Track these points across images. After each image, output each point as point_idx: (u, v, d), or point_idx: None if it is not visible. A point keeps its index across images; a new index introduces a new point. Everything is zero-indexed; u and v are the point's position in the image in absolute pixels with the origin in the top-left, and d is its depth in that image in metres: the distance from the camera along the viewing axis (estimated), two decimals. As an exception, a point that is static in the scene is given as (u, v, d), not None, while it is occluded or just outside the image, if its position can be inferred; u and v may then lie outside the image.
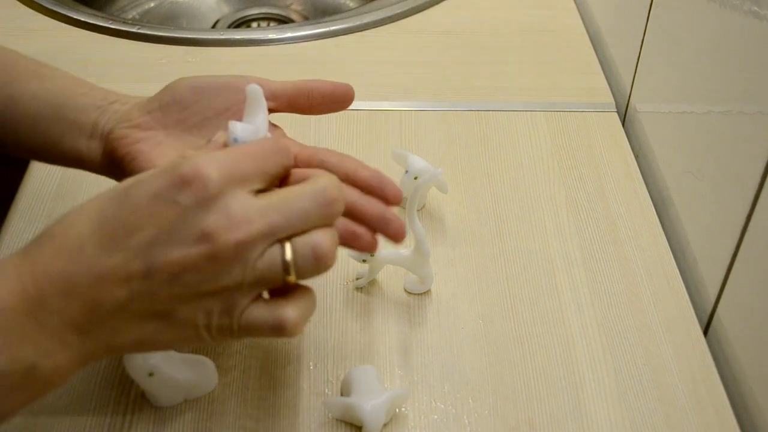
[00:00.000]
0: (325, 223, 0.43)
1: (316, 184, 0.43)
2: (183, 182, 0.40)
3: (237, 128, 0.47)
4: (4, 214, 0.71)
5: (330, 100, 0.56)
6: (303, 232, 0.42)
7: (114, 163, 0.55)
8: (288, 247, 0.42)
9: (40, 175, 0.73)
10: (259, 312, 0.43)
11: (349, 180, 0.50)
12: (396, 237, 0.49)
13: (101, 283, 0.41)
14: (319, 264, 0.43)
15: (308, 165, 0.50)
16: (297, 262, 0.42)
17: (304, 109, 0.56)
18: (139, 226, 0.40)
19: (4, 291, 0.40)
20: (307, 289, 0.45)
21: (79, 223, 0.42)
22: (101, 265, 0.41)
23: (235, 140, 0.47)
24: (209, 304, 0.42)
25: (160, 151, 0.54)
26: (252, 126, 0.48)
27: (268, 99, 0.51)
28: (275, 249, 0.42)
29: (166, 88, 0.56)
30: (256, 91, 0.49)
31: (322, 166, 0.50)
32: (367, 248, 0.49)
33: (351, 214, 0.48)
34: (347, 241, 0.48)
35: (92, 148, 0.55)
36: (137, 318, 0.42)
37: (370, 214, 0.49)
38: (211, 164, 0.41)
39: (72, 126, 0.55)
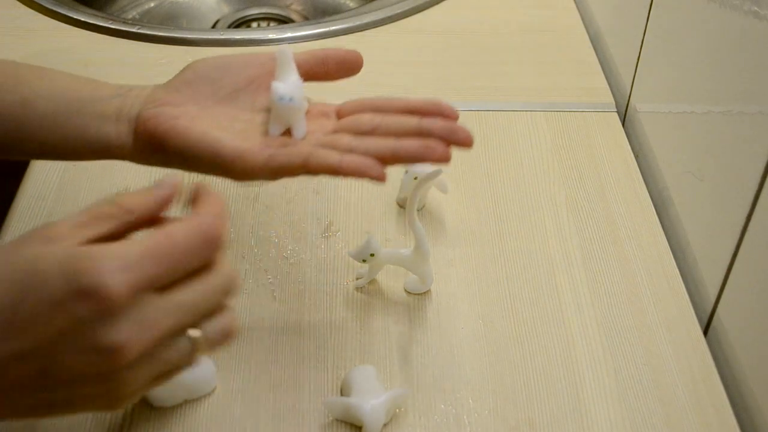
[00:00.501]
0: (223, 306, 0.44)
1: (222, 276, 0.43)
2: (83, 294, 0.38)
3: (280, 88, 0.51)
4: (4, 214, 0.71)
5: (343, 67, 0.59)
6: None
7: (152, 145, 0.54)
8: (193, 335, 0.42)
9: (40, 176, 0.73)
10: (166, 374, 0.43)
11: (407, 111, 0.55)
12: (466, 142, 0.53)
13: None
14: (227, 340, 0.43)
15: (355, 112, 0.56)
16: (207, 344, 0.43)
17: (321, 77, 0.58)
18: (34, 329, 0.39)
19: None
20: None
21: None
22: None
23: (281, 99, 0.52)
24: (111, 395, 0.41)
25: (200, 123, 0.54)
26: (294, 82, 0.53)
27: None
28: (181, 339, 0.42)
29: (187, 68, 0.57)
30: (286, 53, 0.53)
31: (372, 108, 0.56)
32: (443, 158, 0.52)
33: (421, 134, 0.53)
34: (424, 155, 0.52)
35: (121, 133, 0.55)
36: (25, 395, 0.41)
37: (437, 130, 0.53)
38: (120, 276, 0.38)
39: (94, 116, 0.55)
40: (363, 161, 0.51)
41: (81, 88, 0.57)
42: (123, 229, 0.42)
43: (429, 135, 0.53)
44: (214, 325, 0.43)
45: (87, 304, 0.38)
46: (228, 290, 0.43)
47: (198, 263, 0.42)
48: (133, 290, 0.39)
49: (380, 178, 0.51)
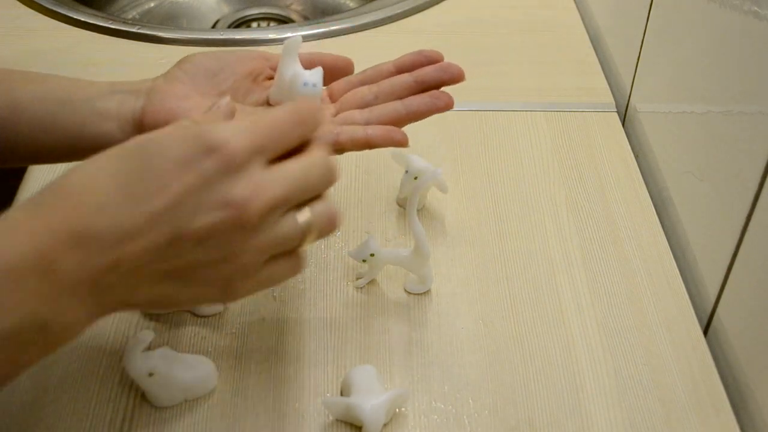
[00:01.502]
0: (323, 192, 0.46)
1: (320, 157, 0.46)
2: (209, 150, 0.41)
3: (306, 75, 0.54)
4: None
5: (334, 72, 0.60)
6: (307, 201, 0.45)
7: None
8: (306, 212, 0.45)
9: (40, 177, 0.73)
10: (277, 267, 0.45)
11: (396, 72, 0.58)
12: (459, 76, 0.57)
13: (124, 242, 0.40)
14: (333, 227, 0.46)
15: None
16: (312, 227, 0.45)
17: None
18: (165, 190, 0.40)
19: (16, 249, 0.39)
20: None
21: (100, 178, 0.41)
22: (126, 224, 0.40)
23: (306, 84, 0.53)
24: (230, 267, 0.43)
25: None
26: (318, 69, 0.55)
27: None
28: (288, 218, 0.44)
29: (185, 60, 0.57)
30: (296, 42, 0.54)
31: (362, 81, 0.59)
32: (449, 105, 0.56)
33: (420, 85, 0.57)
34: (433, 106, 0.56)
35: (125, 128, 0.55)
36: (156, 278, 0.42)
37: (432, 77, 0.56)
38: (238, 135, 0.42)
39: (90, 114, 0.55)
40: (385, 128, 0.54)
41: (73, 89, 0.57)
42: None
43: (427, 85, 0.56)
44: (319, 208, 0.45)
45: (213, 160, 0.41)
46: (326, 174, 0.45)
47: (299, 138, 0.45)
48: (251, 149, 0.42)
49: (404, 142, 0.55)
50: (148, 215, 0.40)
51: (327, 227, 0.46)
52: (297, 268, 0.47)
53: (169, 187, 0.40)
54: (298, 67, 0.55)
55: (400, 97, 0.57)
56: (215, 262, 0.43)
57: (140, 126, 0.55)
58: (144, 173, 0.41)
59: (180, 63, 0.57)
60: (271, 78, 0.59)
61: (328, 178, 0.46)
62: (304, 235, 0.45)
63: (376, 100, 0.57)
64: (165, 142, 0.42)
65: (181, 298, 0.44)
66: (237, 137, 0.42)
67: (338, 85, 0.59)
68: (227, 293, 0.45)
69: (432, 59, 0.57)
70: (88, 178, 0.41)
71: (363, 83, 0.59)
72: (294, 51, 0.55)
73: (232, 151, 0.41)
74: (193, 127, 0.42)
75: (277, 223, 0.44)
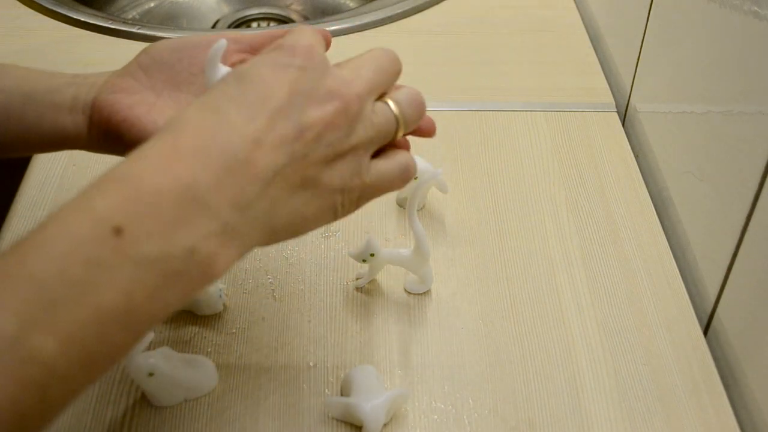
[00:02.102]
0: (397, 78, 0.49)
1: (381, 50, 0.48)
2: (293, 50, 0.43)
3: None
4: (4, 214, 0.71)
5: None
6: (386, 91, 0.48)
7: (108, 134, 0.53)
8: (391, 101, 0.47)
9: (40, 176, 0.73)
10: (384, 165, 0.47)
11: None
12: (429, 132, 0.53)
13: (256, 149, 0.40)
14: (421, 109, 0.49)
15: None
16: (403, 112, 0.47)
17: None
18: (271, 92, 0.42)
19: (154, 173, 0.38)
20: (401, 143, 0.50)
21: (209, 100, 0.42)
22: (251, 130, 0.41)
23: None
24: (344, 166, 0.44)
25: (159, 112, 0.53)
26: None
27: (245, 51, 0.55)
28: (381, 105, 0.46)
29: (142, 52, 0.56)
30: (218, 49, 0.49)
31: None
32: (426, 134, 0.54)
33: None
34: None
35: (77, 122, 0.54)
36: (290, 188, 0.42)
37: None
38: (306, 37, 0.44)
39: (49, 106, 0.54)
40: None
41: (36, 80, 0.55)
42: None
43: None
44: (403, 93, 0.48)
45: (300, 57, 0.43)
46: (393, 59, 0.49)
47: (394, 73, 0.48)
48: (321, 48, 0.45)
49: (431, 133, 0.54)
50: (264, 119, 0.41)
51: (416, 110, 0.48)
52: (406, 168, 0.48)
53: (271, 90, 0.42)
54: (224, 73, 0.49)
55: None
56: (333, 159, 0.44)
57: (90, 120, 0.54)
58: (245, 87, 0.42)
59: (138, 56, 0.56)
60: (242, 61, 0.55)
61: (397, 64, 0.48)
62: (398, 120, 0.47)
63: None
64: (252, 61, 0.43)
65: (309, 214, 0.45)
66: (307, 39, 0.44)
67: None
68: (345, 199, 0.46)
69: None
70: (197, 105, 0.42)
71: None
72: (216, 60, 0.49)
73: (310, 49, 0.44)
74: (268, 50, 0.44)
75: (374, 111, 0.45)
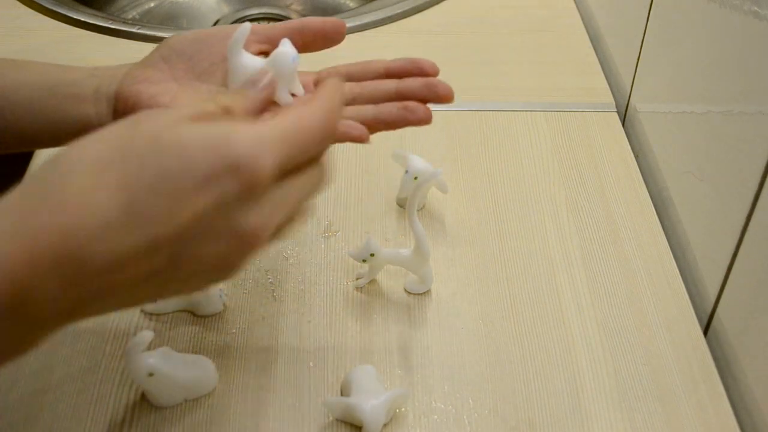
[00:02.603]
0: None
1: (324, 171, 0.43)
2: (235, 170, 0.36)
3: (290, 49, 0.49)
4: None
5: (322, 37, 0.57)
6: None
7: None
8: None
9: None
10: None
11: (386, 75, 0.56)
12: (447, 97, 0.53)
13: (117, 269, 0.36)
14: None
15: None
16: (289, 229, 0.43)
17: (299, 48, 0.54)
18: (176, 214, 0.36)
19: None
20: None
21: (104, 189, 0.36)
22: (123, 249, 0.35)
23: (294, 59, 0.49)
24: (223, 276, 0.40)
25: (181, 101, 0.53)
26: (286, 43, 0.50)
27: (263, 42, 0.54)
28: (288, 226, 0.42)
29: (163, 44, 0.56)
30: (245, 30, 0.50)
31: (350, 78, 0.56)
32: (423, 120, 0.52)
33: (401, 97, 0.53)
34: (404, 119, 0.52)
35: (101, 112, 0.54)
36: (143, 289, 0.38)
37: (416, 90, 0.53)
38: (267, 153, 0.37)
39: (72, 98, 0.55)
40: (344, 122, 0.52)
41: (55, 74, 0.56)
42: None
43: (409, 97, 0.53)
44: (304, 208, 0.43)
45: (237, 182, 0.36)
46: (323, 185, 0.43)
47: (318, 152, 0.42)
48: (277, 169, 0.38)
49: (363, 138, 0.52)
50: (151, 240, 0.36)
51: (299, 225, 0.44)
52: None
53: (181, 210, 0.36)
54: (247, 58, 0.51)
55: (379, 102, 0.54)
56: (210, 272, 0.40)
57: (114, 110, 0.54)
58: (158, 188, 0.36)
59: (159, 47, 0.56)
60: (261, 53, 0.55)
61: (322, 189, 0.44)
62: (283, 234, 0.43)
63: (353, 101, 0.55)
64: (189, 151, 0.36)
65: (163, 296, 0.41)
66: (266, 156, 0.37)
67: (326, 74, 0.58)
68: (218, 282, 0.41)
69: (424, 70, 0.55)
70: (90, 185, 0.36)
71: (349, 77, 0.57)
72: (240, 44, 0.50)
73: (259, 174, 0.37)
74: (221, 133, 0.37)
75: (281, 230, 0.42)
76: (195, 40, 0.56)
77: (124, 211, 0.35)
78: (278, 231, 0.41)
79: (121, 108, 0.54)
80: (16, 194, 0.36)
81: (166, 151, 0.36)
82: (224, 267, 0.39)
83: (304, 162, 0.41)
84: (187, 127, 0.37)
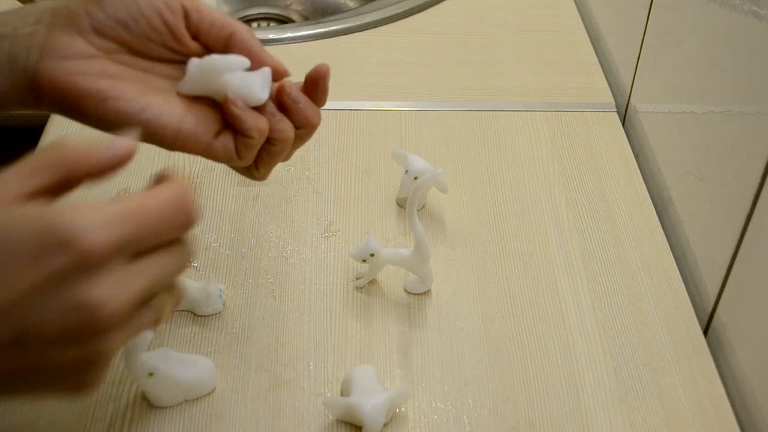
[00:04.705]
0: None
1: (186, 249, 0.41)
2: (61, 245, 0.35)
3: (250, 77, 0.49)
4: None
5: (312, 89, 0.53)
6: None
7: (63, 105, 0.48)
8: (158, 300, 0.41)
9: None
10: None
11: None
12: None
13: None
14: (175, 308, 0.43)
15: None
16: (163, 314, 0.41)
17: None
18: (6, 287, 0.35)
19: None
20: None
21: None
22: None
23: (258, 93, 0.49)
24: (81, 373, 0.38)
25: (130, 89, 0.48)
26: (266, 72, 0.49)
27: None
28: (149, 309, 0.40)
29: (92, 4, 0.48)
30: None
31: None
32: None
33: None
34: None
35: (16, 84, 0.47)
36: None
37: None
38: (97, 230, 0.36)
39: None
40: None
41: None
42: (68, 182, 0.38)
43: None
44: (173, 295, 0.42)
45: (65, 257, 0.35)
46: (186, 262, 0.41)
47: (171, 238, 0.40)
48: (113, 246, 0.36)
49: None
50: None
51: (171, 311, 0.42)
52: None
53: (15, 283, 0.35)
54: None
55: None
56: (63, 371, 0.38)
57: (37, 88, 0.47)
58: None
59: (87, 3, 0.48)
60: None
61: (186, 266, 0.41)
62: (159, 314, 0.41)
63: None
64: (9, 232, 0.35)
65: (31, 391, 0.39)
66: (95, 232, 0.36)
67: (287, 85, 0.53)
68: (81, 391, 0.39)
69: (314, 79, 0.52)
70: None
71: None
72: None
73: (87, 247, 0.35)
74: (45, 215, 0.36)
75: (133, 317, 0.39)
76: (126, 6, 0.48)
77: None
78: (143, 309, 0.40)
79: (48, 87, 0.47)
80: None
81: None
82: (75, 351, 0.37)
83: (159, 243, 0.39)
84: (19, 209, 0.36)
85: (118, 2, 0.48)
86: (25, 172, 0.37)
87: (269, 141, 0.51)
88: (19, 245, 0.35)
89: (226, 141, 0.51)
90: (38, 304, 0.36)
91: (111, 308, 0.36)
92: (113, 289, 0.37)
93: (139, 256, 0.38)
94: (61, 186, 0.38)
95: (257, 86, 0.49)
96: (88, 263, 0.36)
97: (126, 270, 0.37)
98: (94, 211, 0.36)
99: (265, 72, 0.50)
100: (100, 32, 0.48)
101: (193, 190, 0.41)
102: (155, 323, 0.41)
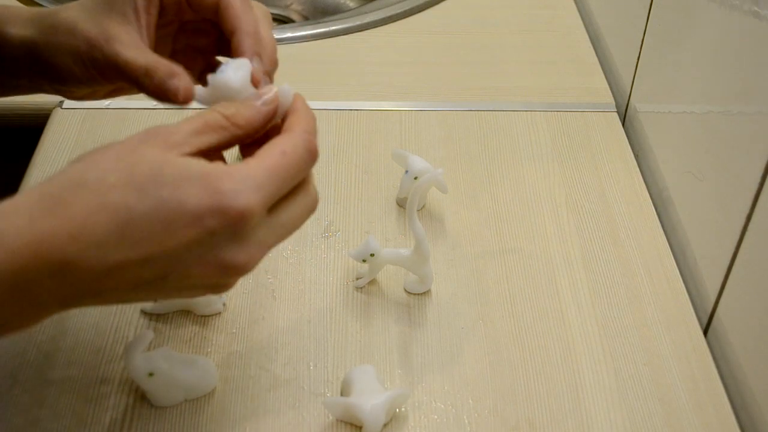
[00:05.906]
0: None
1: (315, 200, 0.46)
2: (224, 213, 0.40)
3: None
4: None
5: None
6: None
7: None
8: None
9: (41, 174, 0.73)
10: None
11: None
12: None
13: (109, 276, 0.40)
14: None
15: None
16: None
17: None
18: (166, 240, 0.40)
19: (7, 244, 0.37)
20: None
21: (104, 210, 0.39)
22: (116, 260, 0.39)
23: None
24: (216, 289, 0.44)
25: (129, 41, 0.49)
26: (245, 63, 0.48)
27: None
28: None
29: None
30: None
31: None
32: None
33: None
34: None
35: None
36: (133, 293, 0.42)
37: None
38: (252, 197, 0.40)
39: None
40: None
41: None
42: (230, 141, 0.44)
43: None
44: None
45: (223, 222, 0.40)
46: (314, 208, 0.46)
47: (301, 179, 0.44)
48: (262, 209, 0.41)
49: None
50: (140, 257, 0.39)
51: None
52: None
53: (171, 238, 0.40)
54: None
55: None
56: (195, 289, 0.44)
57: (96, 72, 0.49)
58: (152, 216, 0.39)
59: None
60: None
61: (314, 208, 0.46)
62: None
63: None
64: (184, 188, 0.40)
65: (151, 299, 0.45)
66: (250, 199, 0.40)
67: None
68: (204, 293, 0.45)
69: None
70: (94, 205, 0.39)
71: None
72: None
73: (242, 214, 0.40)
74: (208, 177, 0.40)
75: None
76: None
77: (119, 231, 0.39)
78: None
79: (112, 76, 0.49)
80: (35, 193, 0.40)
81: (165, 185, 0.40)
82: (214, 286, 0.44)
83: (291, 190, 0.44)
84: (187, 164, 0.41)
85: None
86: (192, 130, 0.42)
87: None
88: (183, 205, 0.39)
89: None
90: (188, 257, 0.40)
91: (251, 267, 0.42)
92: (255, 250, 0.42)
93: (276, 206, 0.43)
94: (221, 147, 0.44)
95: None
96: (241, 229, 0.40)
97: (267, 225, 0.42)
98: (246, 176, 0.41)
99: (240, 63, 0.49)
100: (148, 12, 0.50)
101: (314, 119, 0.46)
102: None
